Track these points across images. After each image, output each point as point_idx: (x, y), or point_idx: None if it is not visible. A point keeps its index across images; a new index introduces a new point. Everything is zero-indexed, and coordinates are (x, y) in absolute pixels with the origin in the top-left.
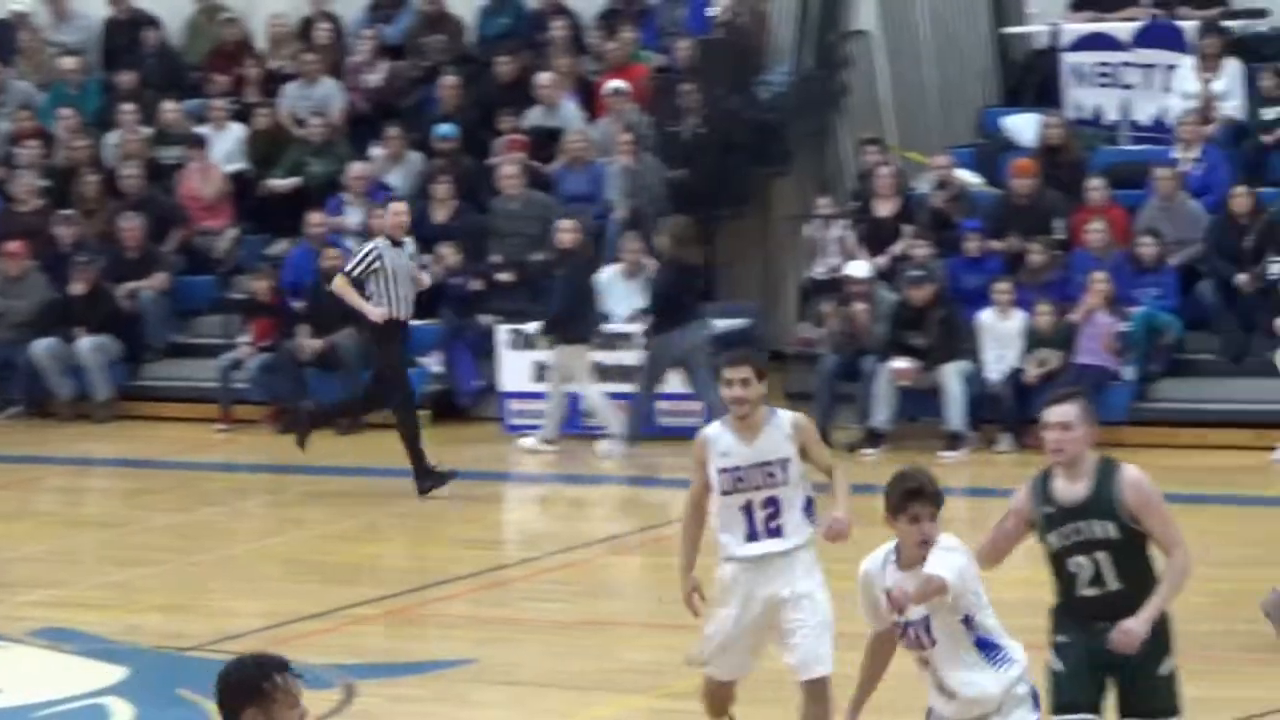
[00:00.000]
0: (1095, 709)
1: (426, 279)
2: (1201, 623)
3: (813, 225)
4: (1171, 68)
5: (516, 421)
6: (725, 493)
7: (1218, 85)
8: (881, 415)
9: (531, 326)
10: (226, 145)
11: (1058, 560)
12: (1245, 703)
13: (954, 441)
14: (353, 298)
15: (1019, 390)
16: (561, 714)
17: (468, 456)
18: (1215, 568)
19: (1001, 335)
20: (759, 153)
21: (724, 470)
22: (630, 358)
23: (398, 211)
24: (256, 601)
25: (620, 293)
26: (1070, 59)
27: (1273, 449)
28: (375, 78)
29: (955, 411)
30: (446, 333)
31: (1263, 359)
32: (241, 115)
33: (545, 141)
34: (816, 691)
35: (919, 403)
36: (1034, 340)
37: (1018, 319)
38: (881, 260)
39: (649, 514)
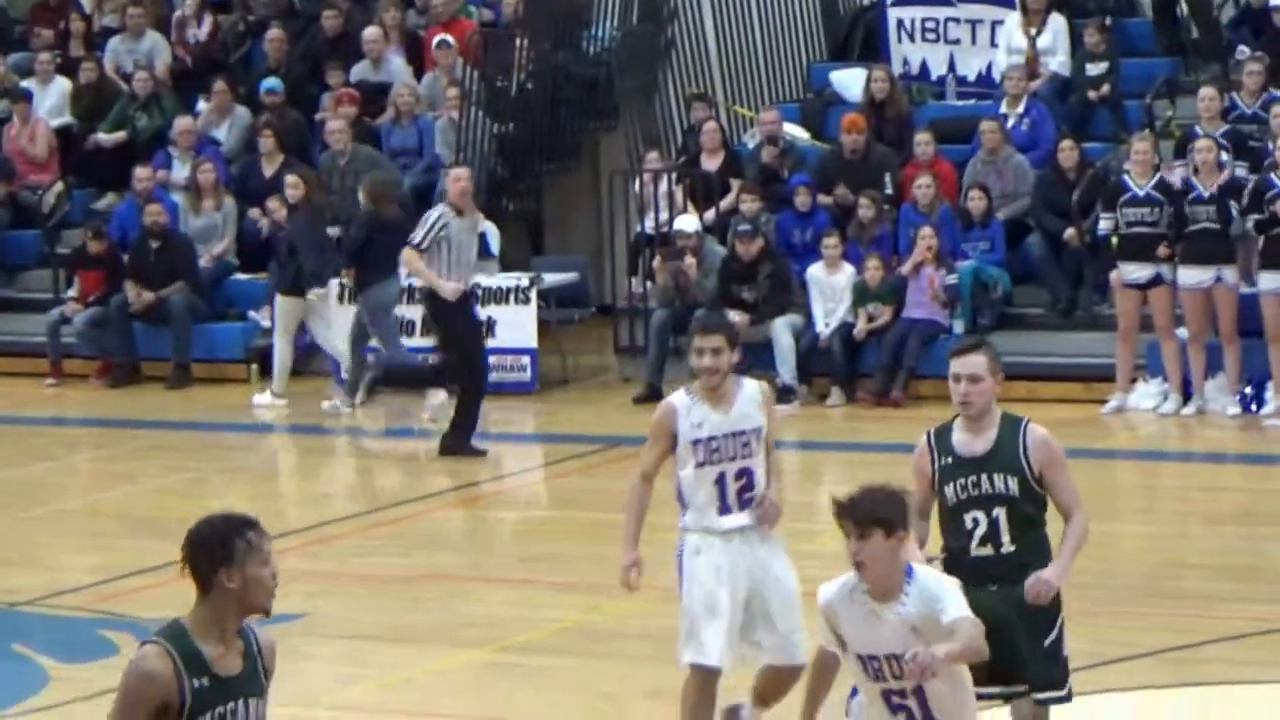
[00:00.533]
0: (997, 680)
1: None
2: None
3: (640, 179)
4: (997, 23)
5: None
6: (700, 464)
7: (1043, 41)
8: None
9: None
10: (52, 99)
11: (954, 514)
12: (1084, 655)
13: (784, 395)
14: (422, 271)
15: (848, 344)
16: (397, 667)
17: (299, 411)
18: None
19: (830, 289)
20: (586, 107)
21: (698, 441)
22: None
23: (459, 178)
24: (89, 556)
25: None
26: (896, 14)
27: (1103, 402)
28: (201, 31)
29: (785, 365)
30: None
31: (1091, 313)
32: (66, 69)
33: (372, 96)
34: (790, 678)
35: (749, 356)
36: (862, 294)
37: (846, 273)
38: (710, 215)
39: (473, 470)
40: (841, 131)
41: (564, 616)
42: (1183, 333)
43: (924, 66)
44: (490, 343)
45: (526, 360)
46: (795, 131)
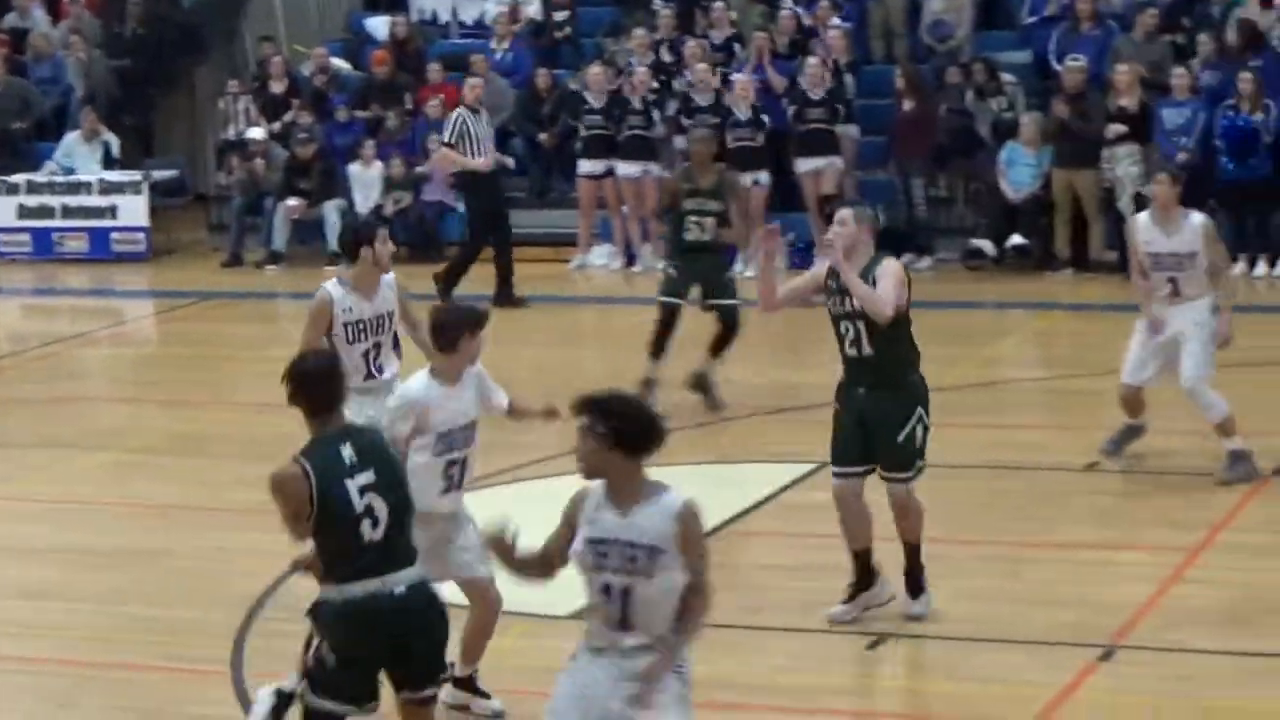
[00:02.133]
0: (865, 461)
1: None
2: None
3: (225, 100)
4: None
5: (4, 249)
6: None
7: None
8: (280, 240)
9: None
10: None
11: (834, 324)
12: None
13: (334, 258)
14: (456, 157)
15: (380, 221)
16: (43, 469)
17: None
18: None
19: (366, 180)
20: (184, 46)
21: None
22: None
23: (474, 85)
24: None
25: (83, 152)
26: None
27: (568, 261)
28: None
29: (333, 236)
30: None
31: (563, 193)
32: None
33: (20, 39)
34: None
35: (307, 230)
36: (389, 184)
37: (377, 168)
38: (276, 126)
39: (103, 317)
40: (373, 63)
41: (169, 427)
42: (625, 210)
43: (434, 14)
44: (113, 222)
45: (141, 236)
46: (339, 64)
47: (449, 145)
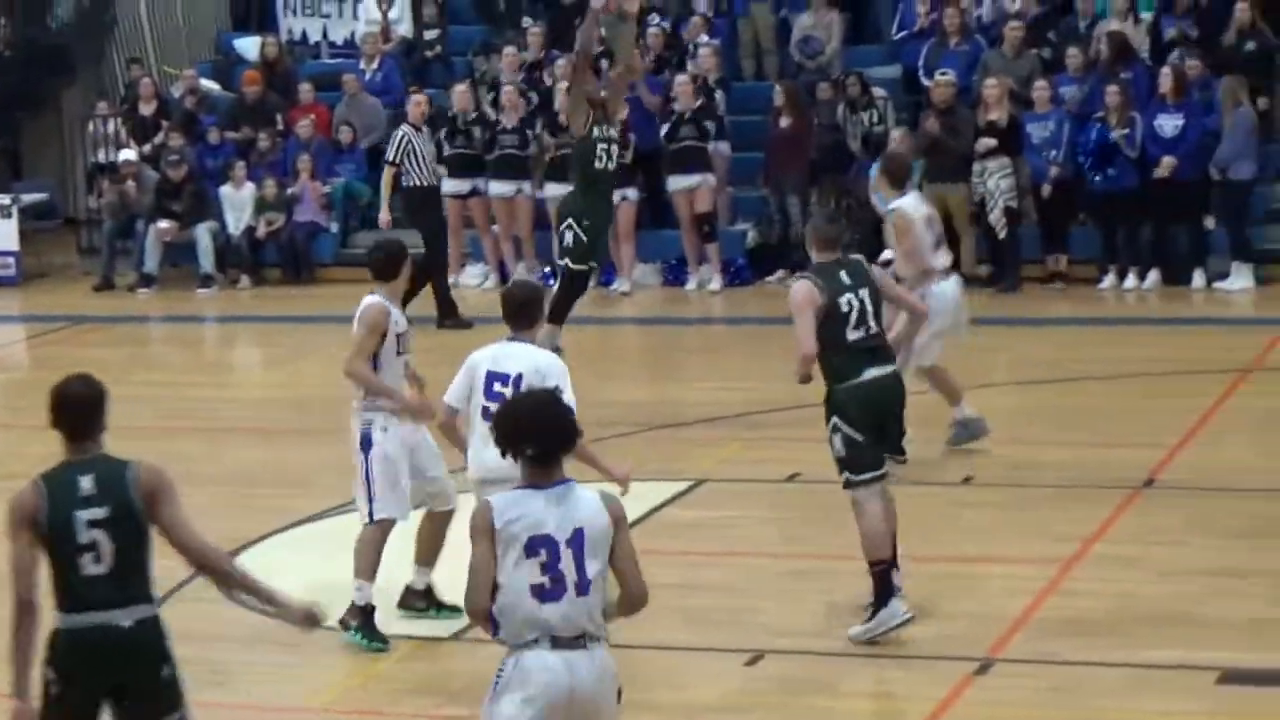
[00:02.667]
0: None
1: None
2: None
3: (94, 122)
4: (357, 1)
5: None
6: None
7: (393, 13)
8: (151, 263)
9: None
10: None
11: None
12: None
13: (206, 281)
14: (387, 185)
15: (253, 243)
16: None
17: None
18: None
19: (237, 202)
20: (52, 68)
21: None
22: None
23: (418, 102)
24: None
25: None
26: None
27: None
28: None
29: (205, 259)
30: None
31: None
32: None
33: None
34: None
35: (179, 253)
36: (261, 205)
37: (249, 190)
38: (147, 148)
39: None
40: (243, 84)
41: (40, 451)
42: (495, 230)
43: (304, 34)
44: None
45: (12, 260)
46: (209, 85)
47: (393, 164)
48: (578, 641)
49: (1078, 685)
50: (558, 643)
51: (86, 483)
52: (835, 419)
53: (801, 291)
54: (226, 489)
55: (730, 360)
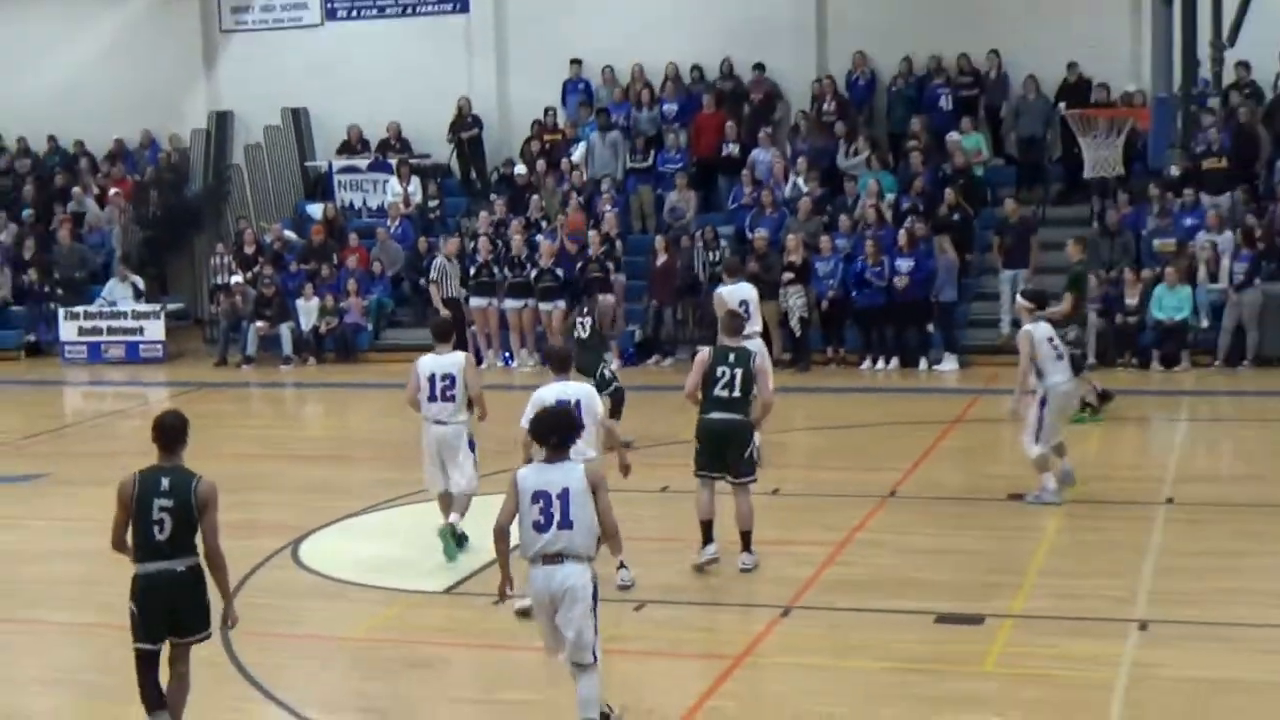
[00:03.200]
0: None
1: None
2: None
3: (215, 257)
4: (386, 181)
5: (69, 354)
6: None
7: (410, 189)
8: (251, 348)
9: (77, 309)
10: None
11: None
12: None
13: (286, 360)
14: (435, 296)
15: (317, 336)
16: (96, 502)
17: None
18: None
19: (307, 310)
20: (188, 222)
21: None
22: None
23: (452, 242)
24: None
25: (120, 291)
26: (337, 177)
27: None
28: None
29: (286, 346)
30: None
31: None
32: None
33: (79, 219)
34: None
35: (269, 342)
36: (323, 312)
37: (315, 301)
38: (249, 274)
39: (139, 399)
40: (312, 234)
41: None
42: (473, 328)
43: (350, 202)
44: (141, 338)
45: (160, 346)
46: (290, 234)
47: (432, 282)
48: (556, 558)
49: (847, 624)
50: (546, 559)
51: (165, 481)
52: (696, 436)
53: (700, 355)
54: (297, 495)
55: (625, 413)
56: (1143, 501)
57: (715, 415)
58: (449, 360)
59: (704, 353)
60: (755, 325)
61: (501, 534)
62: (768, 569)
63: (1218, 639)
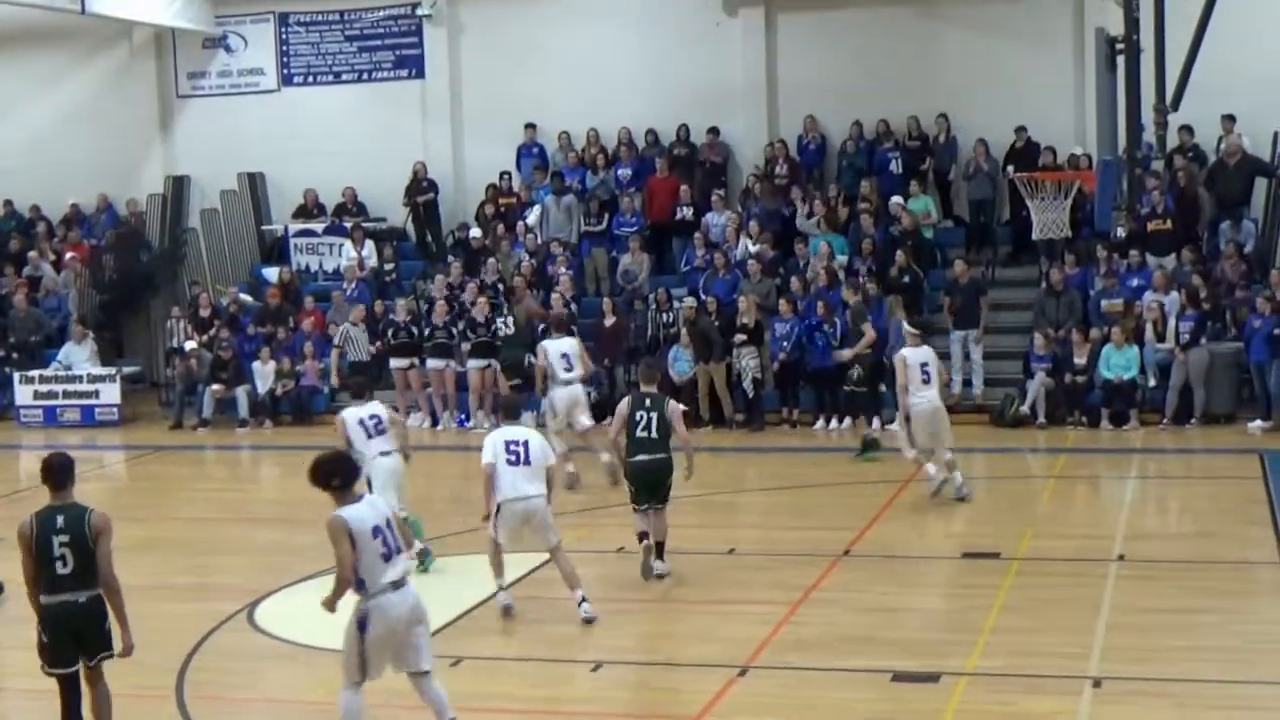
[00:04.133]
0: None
1: None
2: None
3: (170, 321)
4: (341, 245)
5: (25, 418)
6: None
7: (365, 252)
8: (207, 412)
9: (32, 373)
10: None
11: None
12: None
13: (243, 423)
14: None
15: (273, 399)
16: None
17: None
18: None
19: (264, 373)
20: (143, 286)
21: None
22: None
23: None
24: None
25: (77, 355)
26: (293, 241)
27: None
28: None
29: (243, 409)
30: None
31: (387, 380)
32: None
33: (35, 283)
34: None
35: (225, 405)
36: (279, 375)
37: (271, 365)
38: (204, 338)
39: (96, 462)
40: (268, 297)
41: (135, 533)
42: (430, 390)
43: (307, 265)
44: (97, 401)
45: (115, 409)
46: (246, 297)
47: (336, 348)
48: (403, 582)
49: (802, 683)
50: (395, 585)
51: (60, 519)
52: (627, 476)
53: (620, 406)
54: (253, 557)
55: (587, 476)
56: (1095, 559)
57: (642, 457)
58: (371, 407)
59: (622, 403)
60: (578, 372)
61: (349, 583)
62: (725, 629)
63: (1170, 695)
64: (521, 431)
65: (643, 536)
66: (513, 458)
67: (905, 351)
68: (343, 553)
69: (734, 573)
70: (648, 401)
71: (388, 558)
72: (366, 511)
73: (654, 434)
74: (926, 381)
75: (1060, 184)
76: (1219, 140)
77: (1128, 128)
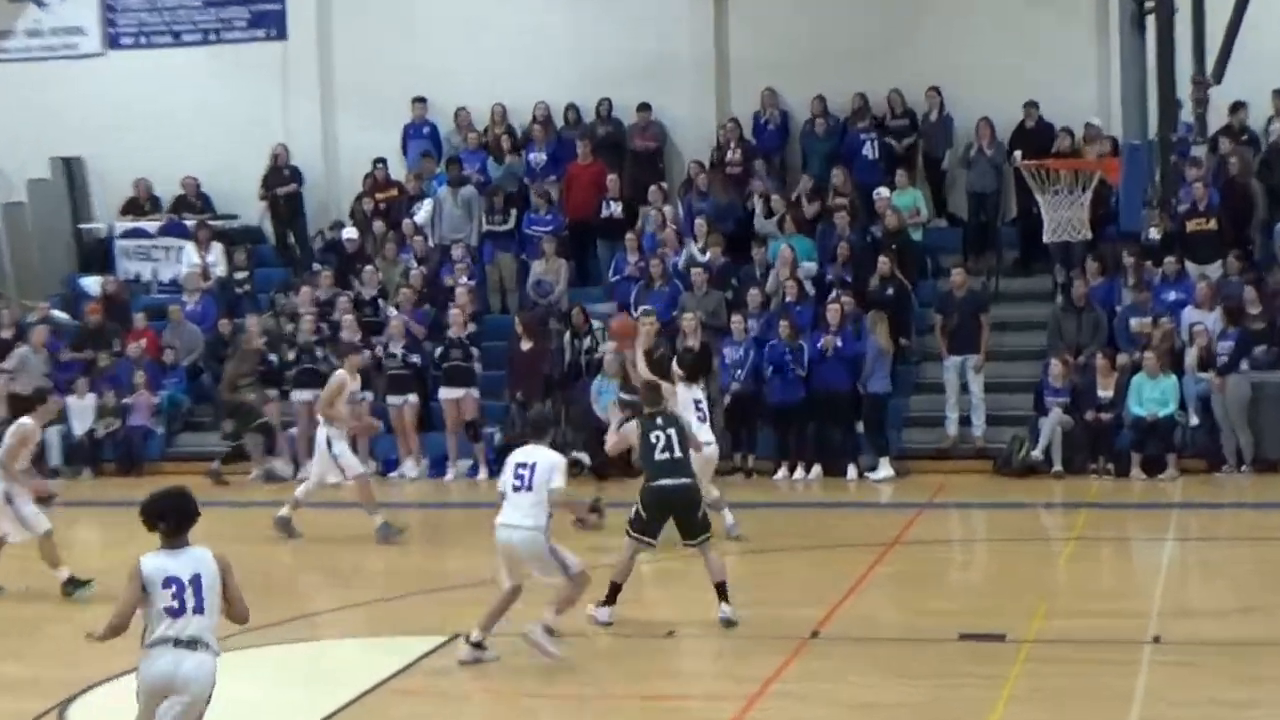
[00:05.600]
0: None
1: None
2: None
3: None
4: (181, 248)
5: None
6: None
7: (210, 258)
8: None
9: None
10: None
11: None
12: None
13: (54, 473)
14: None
15: (94, 442)
16: None
17: None
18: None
19: (81, 410)
20: None
21: None
22: None
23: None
24: None
25: None
26: (120, 243)
27: (249, 473)
28: None
29: (54, 455)
30: None
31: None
32: None
33: None
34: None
35: None
36: (101, 412)
37: (90, 399)
38: (7, 364)
39: None
40: (87, 313)
41: None
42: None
43: (137, 274)
44: None
45: None
46: (61, 316)
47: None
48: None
49: None
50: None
51: None
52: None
53: (627, 426)
54: (66, 645)
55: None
56: (1124, 640)
57: (666, 481)
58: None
59: (631, 424)
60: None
61: (123, 628)
62: None
63: None
64: (533, 453)
65: (614, 590)
66: (518, 482)
67: (678, 387)
68: (125, 595)
69: (675, 660)
70: (659, 420)
71: (175, 614)
72: (174, 563)
73: (677, 453)
74: (703, 420)
75: (1078, 174)
76: (1268, 120)
77: (1161, 105)
